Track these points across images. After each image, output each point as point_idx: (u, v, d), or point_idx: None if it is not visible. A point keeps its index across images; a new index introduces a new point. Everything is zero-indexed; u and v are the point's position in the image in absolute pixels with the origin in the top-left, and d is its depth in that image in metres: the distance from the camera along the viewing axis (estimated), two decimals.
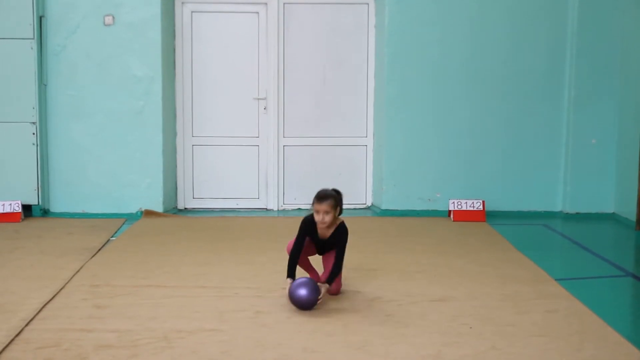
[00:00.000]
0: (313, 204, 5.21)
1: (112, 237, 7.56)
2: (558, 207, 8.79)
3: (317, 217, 5.18)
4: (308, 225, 5.28)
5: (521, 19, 8.57)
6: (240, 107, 9.05)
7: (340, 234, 5.29)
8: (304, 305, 5.01)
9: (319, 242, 5.34)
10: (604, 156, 8.61)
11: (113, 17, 8.43)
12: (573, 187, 8.65)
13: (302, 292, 4.98)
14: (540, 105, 8.68)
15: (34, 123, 8.34)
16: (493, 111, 8.67)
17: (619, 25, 8.42)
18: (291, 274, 5.20)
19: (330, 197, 5.18)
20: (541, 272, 6.12)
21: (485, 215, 8.38)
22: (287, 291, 5.10)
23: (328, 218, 5.17)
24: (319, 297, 5.04)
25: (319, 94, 9.01)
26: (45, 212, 8.57)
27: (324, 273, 5.40)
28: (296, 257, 5.25)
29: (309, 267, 5.51)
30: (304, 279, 5.07)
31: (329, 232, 5.29)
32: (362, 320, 4.92)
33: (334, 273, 5.22)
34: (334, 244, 5.29)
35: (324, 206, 5.15)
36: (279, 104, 9.00)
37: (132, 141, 8.56)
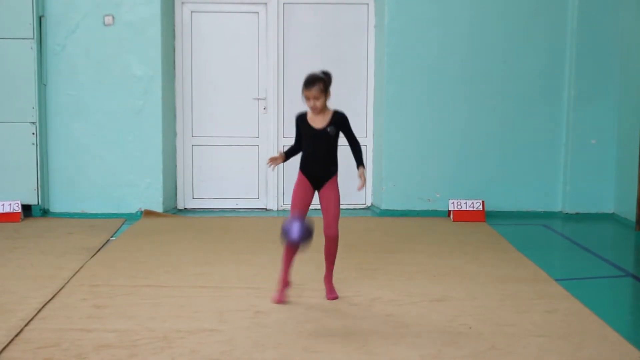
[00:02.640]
0: (302, 91, 5.14)
1: (111, 237, 7.57)
2: (558, 207, 8.79)
3: (308, 104, 5.13)
4: (300, 118, 5.23)
5: (520, 19, 8.57)
6: (240, 107, 9.06)
7: (339, 117, 5.21)
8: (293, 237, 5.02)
9: (314, 133, 5.16)
10: (604, 156, 8.61)
11: (113, 17, 8.43)
12: (573, 187, 8.65)
13: (295, 233, 4.99)
14: (540, 105, 8.68)
15: (33, 123, 8.34)
16: (493, 111, 8.67)
17: (618, 25, 8.43)
18: (287, 152, 5.31)
19: (319, 81, 5.12)
20: (541, 272, 6.12)
21: (485, 216, 8.39)
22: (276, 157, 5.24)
23: (319, 103, 5.11)
24: (359, 186, 5.16)
25: None
26: (45, 212, 8.57)
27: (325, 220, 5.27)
28: (295, 149, 5.29)
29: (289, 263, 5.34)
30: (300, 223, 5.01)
31: (324, 120, 5.18)
32: (361, 320, 4.92)
33: (359, 151, 5.24)
34: (332, 140, 5.18)
35: (314, 91, 5.09)
36: (279, 104, 9.00)
37: (132, 141, 8.56)
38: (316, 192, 5.30)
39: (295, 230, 4.98)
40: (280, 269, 5.34)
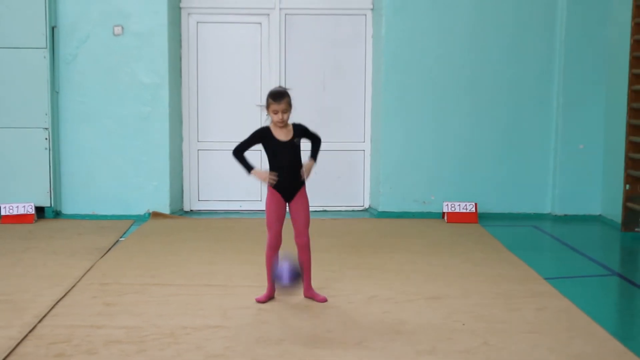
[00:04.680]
0: (268, 105, 5.06)
1: (121, 237, 7.56)
2: (547, 209, 8.79)
3: (277, 117, 5.04)
4: (264, 131, 5.13)
5: (512, 30, 8.57)
6: (243, 113, 9.05)
7: (301, 128, 5.19)
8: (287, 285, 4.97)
9: (281, 146, 5.10)
10: (591, 161, 8.61)
11: (122, 27, 8.43)
12: (561, 190, 8.65)
13: (285, 281, 4.94)
14: (530, 112, 8.68)
15: (46, 129, 8.34)
16: (485, 117, 8.67)
17: (605, 37, 8.42)
18: (248, 166, 5.14)
19: (287, 95, 5.09)
20: (531, 272, 6.12)
21: (477, 217, 8.38)
22: (258, 176, 5.15)
23: (287, 116, 5.08)
24: (306, 177, 5.15)
25: (319, 101, 9.01)
26: (57, 214, 8.57)
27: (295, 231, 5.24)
28: (241, 153, 5.14)
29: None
30: (286, 267, 4.95)
31: (289, 134, 5.13)
32: (360, 318, 4.92)
33: (316, 146, 5.26)
34: (298, 150, 5.16)
35: (283, 105, 5.04)
36: None
37: (140, 145, 8.56)
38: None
39: (286, 276, 4.90)
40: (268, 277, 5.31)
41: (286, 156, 5.13)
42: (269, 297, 5.28)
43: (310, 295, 5.28)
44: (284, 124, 5.08)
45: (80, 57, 8.44)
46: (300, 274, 5.02)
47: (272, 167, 5.16)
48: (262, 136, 5.15)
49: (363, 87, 9.05)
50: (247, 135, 5.18)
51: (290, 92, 5.14)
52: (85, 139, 8.53)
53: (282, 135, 5.12)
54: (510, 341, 4.49)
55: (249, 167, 5.16)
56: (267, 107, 5.09)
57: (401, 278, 5.91)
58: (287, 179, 5.15)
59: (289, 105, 5.08)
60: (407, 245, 7.17)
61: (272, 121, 5.12)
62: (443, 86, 8.61)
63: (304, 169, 5.17)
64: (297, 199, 5.19)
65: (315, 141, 5.28)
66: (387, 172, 8.72)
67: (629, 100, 7.81)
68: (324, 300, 5.23)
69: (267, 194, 5.20)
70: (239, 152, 5.16)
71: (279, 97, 5.05)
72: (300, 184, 5.20)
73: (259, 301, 5.22)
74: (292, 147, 5.14)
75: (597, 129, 8.57)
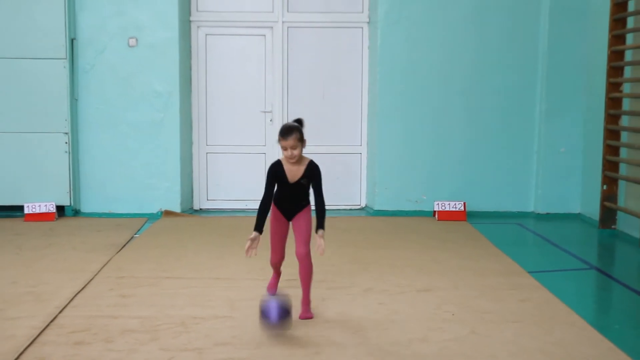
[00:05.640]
0: (279, 140, 4.63)
1: (135, 234, 7.58)
2: (530, 208, 8.81)
3: (286, 154, 4.61)
4: (276, 168, 4.68)
5: (498, 41, 8.58)
6: (249, 119, 9.07)
7: (312, 170, 4.70)
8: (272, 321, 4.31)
9: (289, 187, 4.70)
10: (571, 163, 8.62)
11: (136, 39, 8.45)
12: (544, 190, 8.67)
13: (273, 315, 4.28)
14: (515, 118, 8.70)
15: (66, 133, 8.36)
16: (473, 122, 8.68)
17: (584, 48, 8.44)
18: (259, 227, 4.59)
19: (295, 130, 4.61)
20: (515, 266, 6.14)
21: (466, 215, 8.40)
22: (251, 241, 4.53)
23: (297, 152, 4.61)
24: (321, 253, 4.52)
25: (319, 107, 9.03)
26: (76, 212, 8.59)
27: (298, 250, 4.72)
28: (267, 208, 4.68)
29: (278, 267, 4.99)
30: (276, 302, 4.32)
31: (299, 172, 4.69)
32: (356, 308, 4.94)
33: (321, 214, 4.65)
34: (305, 187, 4.70)
35: (290, 141, 4.58)
36: (283, 116, 9.02)
37: (153, 149, 8.57)
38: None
39: (274, 312, 4.26)
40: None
41: (293, 192, 4.73)
42: (276, 284, 5.13)
43: (302, 307, 4.75)
44: (294, 159, 4.64)
45: (97, 67, 8.46)
46: (290, 312, 4.34)
47: (279, 193, 4.75)
48: (275, 174, 4.69)
49: (360, 94, 9.06)
50: (266, 180, 4.73)
51: (301, 127, 4.67)
52: (103, 142, 8.55)
53: (292, 173, 4.69)
54: (496, 330, 4.51)
55: (258, 227, 4.61)
56: (278, 141, 4.65)
57: (395, 272, 5.93)
58: (291, 205, 4.76)
59: (299, 140, 4.61)
60: (401, 241, 7.19)
61: (284, 156, 4.69)
62: (435, 94, 8.63)
63: (317, 247, 4.54)
64: (300, 217, 4.77)
65: (320, 204, 4.69)
66: (383, 174, 8.73)
67: (606, 107, 7.82)
68: (306, 318, 4.71)
69: (271, 215, 4.79)
70: (265, 206, 4.68)
71: (286, 134, 4.60)
72: (303, 207, 4.78)
73: (271, 292, 5.07)
74: (300, 186, 4.71)
75: (577, 134, 8.58)
